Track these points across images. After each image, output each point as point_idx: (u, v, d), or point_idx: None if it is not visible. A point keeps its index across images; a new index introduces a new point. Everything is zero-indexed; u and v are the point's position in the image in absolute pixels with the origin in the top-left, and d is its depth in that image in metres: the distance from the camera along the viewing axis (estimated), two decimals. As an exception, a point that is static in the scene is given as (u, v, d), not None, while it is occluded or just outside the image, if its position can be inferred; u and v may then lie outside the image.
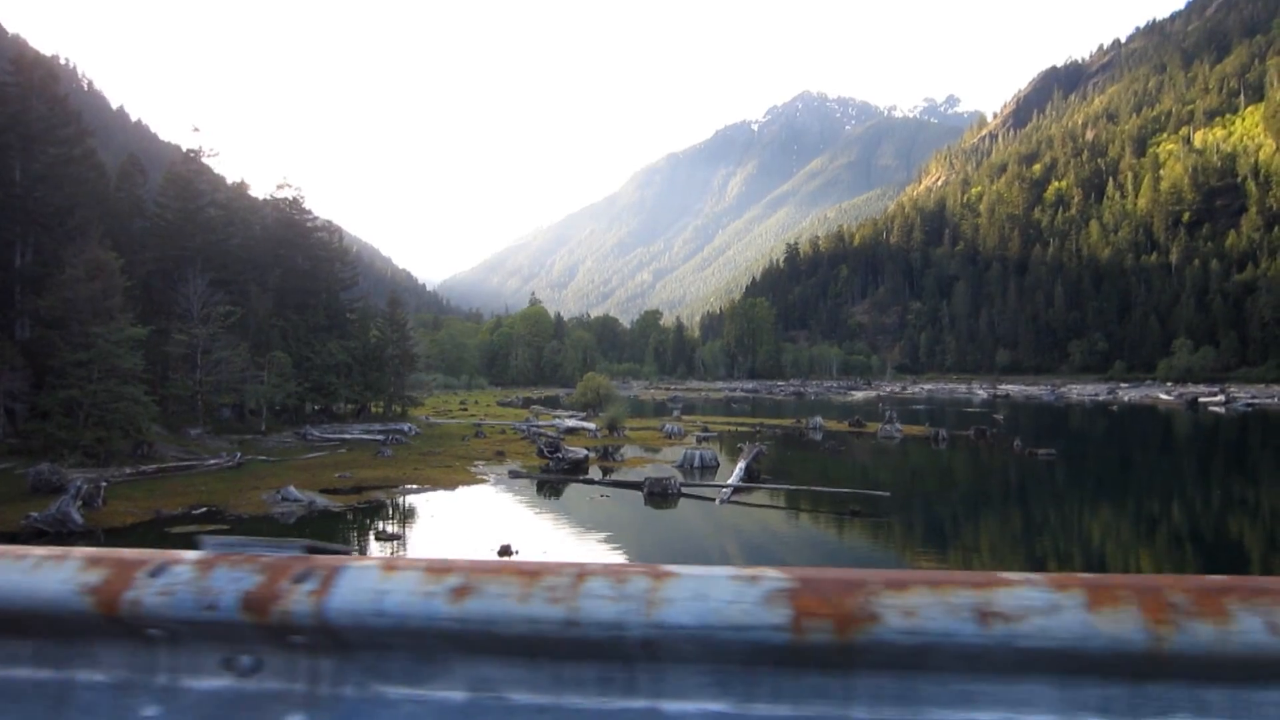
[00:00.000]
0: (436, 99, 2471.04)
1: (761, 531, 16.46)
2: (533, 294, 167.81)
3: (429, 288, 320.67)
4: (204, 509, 16.46)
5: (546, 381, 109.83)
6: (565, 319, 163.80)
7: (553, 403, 61.22)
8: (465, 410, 51.70)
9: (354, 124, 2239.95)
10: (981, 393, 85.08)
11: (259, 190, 38.60)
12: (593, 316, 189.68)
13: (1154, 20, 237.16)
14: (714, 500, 18.27)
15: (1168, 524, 17.25)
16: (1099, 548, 15.02)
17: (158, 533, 14.59)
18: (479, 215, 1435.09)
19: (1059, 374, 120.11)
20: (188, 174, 32.19)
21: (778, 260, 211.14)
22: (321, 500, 17.32)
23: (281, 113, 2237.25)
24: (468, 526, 16.05)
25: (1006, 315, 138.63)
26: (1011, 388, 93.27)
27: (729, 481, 19.75)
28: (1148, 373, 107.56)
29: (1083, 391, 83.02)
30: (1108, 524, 17.29)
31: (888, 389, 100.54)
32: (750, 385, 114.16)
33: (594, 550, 13.93)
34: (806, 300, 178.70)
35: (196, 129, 33.19)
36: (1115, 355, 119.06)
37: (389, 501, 18.12)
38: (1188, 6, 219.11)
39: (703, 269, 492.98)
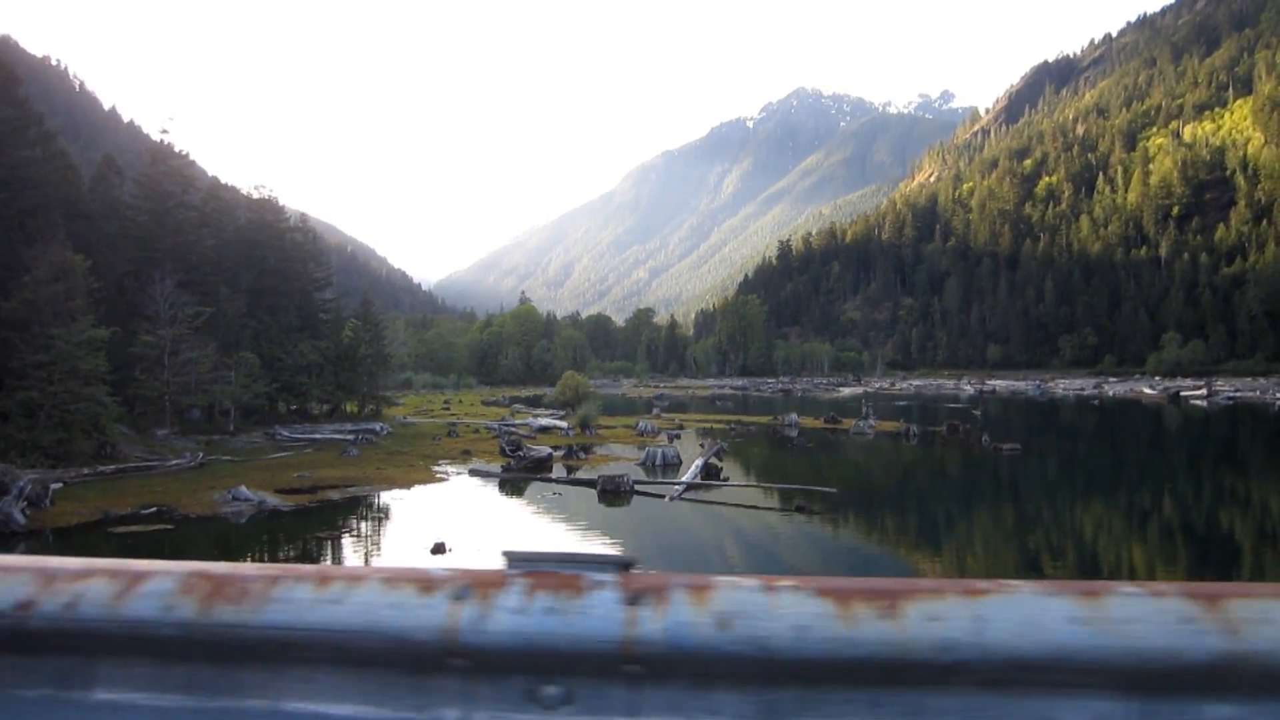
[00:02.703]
0: (432, 99, 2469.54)
1: (695, 526, 16.59)
2: (523, 293, 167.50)
3: (425, 287, 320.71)
4: (153, 509, 16.55)
5: (537, 380, 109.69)
6: (561, 317, 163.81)
7: (536, 401, 61.31)
8: (448, 409, 51.75)
9: (351, 125, 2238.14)
10: (968, 388, 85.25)
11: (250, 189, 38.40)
12: (589, 314, 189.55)
13: (1145, 14, 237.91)
14: (664, 498, 18.40)
15: (1100, 517, 17.37)
16: (1013, 540, 15.15)
17: (103, 533, 14.69)
18: (475, 215, 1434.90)
19: (1050, 369, 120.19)
20: (157, 175, 32.21)
21: (770, 257, 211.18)
22: (272, 500, 17.40)
23: (279, 113, 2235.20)
24: (413, 524, 16.15)
25: (997, 311, 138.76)
26: (999, 383, 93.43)
27: (683, 479, 19.88)
28: (1137, 367, 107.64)
29: (1069, 386, 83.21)
30: (1035, 516, 17.40)
31: (876, 385, 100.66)
32: (740, 382, 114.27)
33: (526, 543, 14.02)
34: (799, 297, 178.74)
35: (165, 130, 33.22)
36: (1105, 350, 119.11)
37: (341, 501, 18.21)
38: (1178, 0, 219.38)
39: (699, 266, 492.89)
